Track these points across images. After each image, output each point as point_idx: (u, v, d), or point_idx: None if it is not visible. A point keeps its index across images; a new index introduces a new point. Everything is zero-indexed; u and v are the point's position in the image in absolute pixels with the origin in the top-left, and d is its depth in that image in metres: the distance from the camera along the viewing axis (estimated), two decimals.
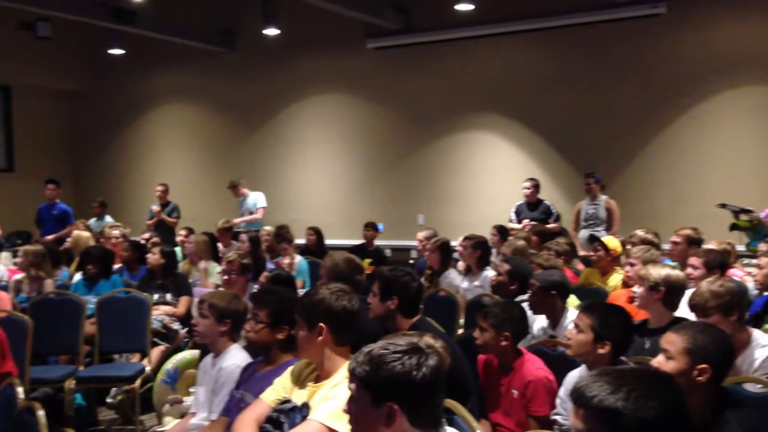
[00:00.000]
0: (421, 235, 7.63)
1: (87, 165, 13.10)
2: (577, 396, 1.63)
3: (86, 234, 8.02)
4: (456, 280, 6.08)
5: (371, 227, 9.18)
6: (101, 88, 12.83)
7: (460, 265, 6.36)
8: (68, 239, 7.82)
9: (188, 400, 4.29)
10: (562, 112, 9.44)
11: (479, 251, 5.97)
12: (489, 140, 10.07)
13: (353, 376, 1.97)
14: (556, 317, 4.15)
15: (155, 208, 10.12)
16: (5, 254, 8.29)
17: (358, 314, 2.72)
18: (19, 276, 6.29)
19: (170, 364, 4.85)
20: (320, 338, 2.63)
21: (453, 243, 6.48)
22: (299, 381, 2.74)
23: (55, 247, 7.61)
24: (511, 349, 3.35)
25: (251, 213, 10.04)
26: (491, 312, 3.37)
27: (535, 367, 3.29)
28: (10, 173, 12.10)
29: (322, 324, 2.63)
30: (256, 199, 10.15)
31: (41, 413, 2.61)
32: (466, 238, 6.08)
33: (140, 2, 9.32)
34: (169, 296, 6.23)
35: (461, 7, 9.12)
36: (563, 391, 3.11)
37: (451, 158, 10.29)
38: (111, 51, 11.68)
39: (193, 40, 11.23)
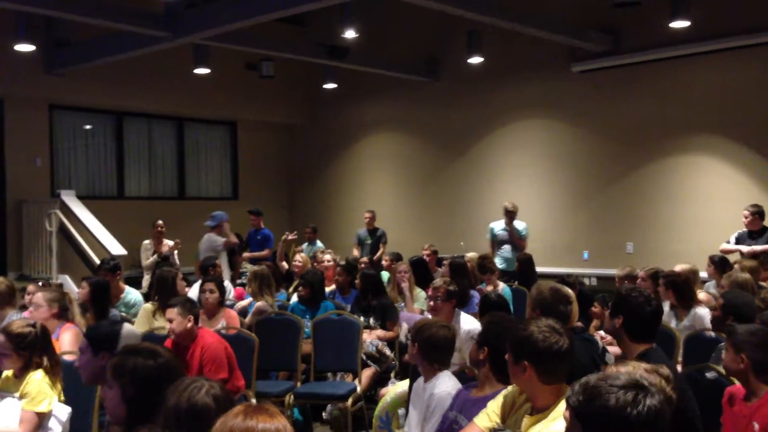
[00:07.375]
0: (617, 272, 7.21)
1: (300, 193, 13.99)
2: None
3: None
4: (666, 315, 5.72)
5: None
6: (315, 120, 13.68)
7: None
8: (296, 262, 8.34)
9: None
10: None
11: (671, 291, 5.57)
12: (706, 163, 9.44)
13: (568, 404, 1.94)
14: None
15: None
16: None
17: (568, 354, 2.63)
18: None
19: (382, 411, 4.82)
20: (525, 374, 2.62)
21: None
22: (513, 408, 2.72)
23: (275, 270, 8.16)
24: (753, 377, 3.13)
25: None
26: (734, 330, 3.24)
27: None
28: (235, 201, 13.22)
29: (526, 362, 2.61)
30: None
31: None
32: (662, 276, 5.74)
33: (352, 39, 9.86)
34: (371, 320, 6.45)
35: (676, 24, 8.68)
36: None
37: (663, 183, 9.76)
38: (325, 86, 12.43)
39: (399, 71, 11.65)
